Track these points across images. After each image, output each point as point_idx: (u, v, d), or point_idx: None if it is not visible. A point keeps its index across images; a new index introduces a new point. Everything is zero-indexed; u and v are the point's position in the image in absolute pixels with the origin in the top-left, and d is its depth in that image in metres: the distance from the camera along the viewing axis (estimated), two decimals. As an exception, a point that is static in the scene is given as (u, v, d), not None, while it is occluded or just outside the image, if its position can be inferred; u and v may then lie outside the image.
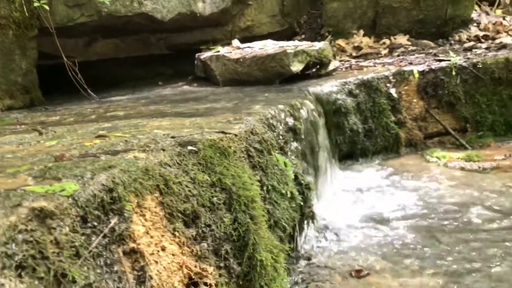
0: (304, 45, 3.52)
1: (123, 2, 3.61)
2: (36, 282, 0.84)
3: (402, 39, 4.52)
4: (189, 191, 1.32)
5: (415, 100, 3.38)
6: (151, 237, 1.15)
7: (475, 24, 4.63)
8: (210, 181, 1.42)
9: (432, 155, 3.14)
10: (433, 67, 3.43)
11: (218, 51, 3.75)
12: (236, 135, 1.69)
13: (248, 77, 3.44)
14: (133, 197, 1.14)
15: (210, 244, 1.32)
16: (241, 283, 1.36)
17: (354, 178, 2.93)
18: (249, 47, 3.74)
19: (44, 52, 3.50)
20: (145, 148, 1.41)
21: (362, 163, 3.17)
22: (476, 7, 4.93)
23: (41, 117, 2.76)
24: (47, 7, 3.17)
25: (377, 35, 4.64)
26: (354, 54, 4.42)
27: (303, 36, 4.88)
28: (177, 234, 1.23)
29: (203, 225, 1.32)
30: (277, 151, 1.96)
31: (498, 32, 4.46)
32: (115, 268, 1.02)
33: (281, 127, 2.19)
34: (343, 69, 3.76)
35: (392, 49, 4.40)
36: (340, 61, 4.09)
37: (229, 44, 4.12)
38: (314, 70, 3.50)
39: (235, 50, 3.72)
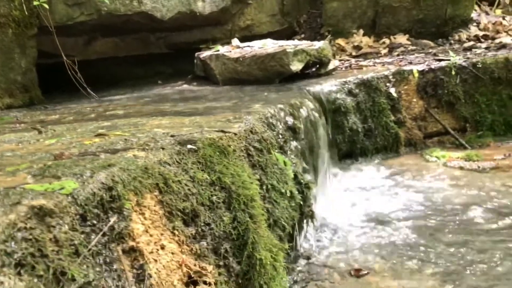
0: (304, 44, 3.52)
1: (122, 1, 3.61)
2: (35, 280, 0.84)
3: (402, 38, 4.51)
4: (189, 189, 1.32)
5: (414, 100, 3.38)
6: (151, 235, 1.15)
7: (474, 24, 4.63)
8: (210, 180, 1.42)
9: (432, 154, 3.14)
10: (432, 66, 3.43)
11: (218, 50, 3.75)
12: (235, 134, 1.69)
13: (248, 76, 3.44)
14: (133, 196, 1.14)
15: (209, 242, 1.32)
16: (240, 281, 1.36)
17: (353, 178, 2.93)
18: (248, 46, 3.74)
19: (43, 51, 3.49)
20: (144, 146, 1.41)
21: (361, 162, 3.17)
22: (476, 7, 4.93)
23: (40, 115, 2.76)
24: (46, 6, 3.16)
25: (377, 34, 4.64)
26: (353, 53, 4.42)
27: (302, 36, 4.88)
28: (176, 232, 1.23)
29: (202, 224, 1.32)
30: (276, 150, 1.96)
31: (497, 32, 4.46)
32: (115, 266, 1.02)
33: (280, 126, 2.19)
34: (343, 69, 3.76)
35: (391, 48, 4.40)
36: (340, 60, 4.09)
37: (228, 43, 4.11)
38: (313, 69, 3.50)
39: (234, 49, 3.72)
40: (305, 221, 2.07)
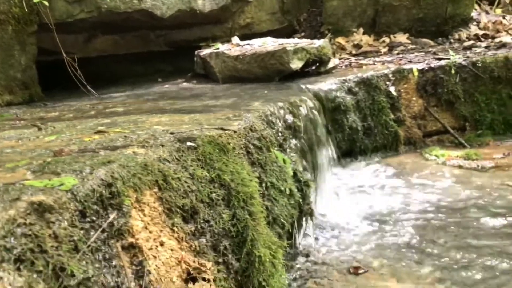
0: (304, 42, 3.52)
1: (122, -2, 3.60)
2: (35, 276, 0.84)
3: (401, 37, 4.51)
4: (188, 186, 1.33)
5: (414, 99, 3.38)
6: (150, 232, 1.15)
7: (475, 23, 4.63)
8: (209, 177, 1.42)
9: (431, 153, 3.15)
10: (432, 65, 3.43)
11: (218, 48, 3.75)
12: (235, 132, 1.69)
13: (248, 74, 3.44)
14: (132, 192, 1.14)
15: (208, 239, 1.32)
16: (239, 278, 1.36)
17: (352, 176, 2.93)
18: (248, 44, 3.74)
19: (43, 48, 3.49)
20: (144, 143, 1.41)
21: (361, 161, 3.17)
22: (476, 6, 4.93)
23: (40, 112, 2.76)
24: (46, 3, 3.16)
25: (376, 33, 4.64)
26: (353, 52, 4.42)
27: (302, 34, 4.88)
28: (175, 229, 1.23)
29: (201, 221, 1.32)
30: (276, 148, 1.97)
31: (497, 31, 4.46)
32: (114, 262, 1.02)
33: (280, 124, 2.19)
34: (343, 67, 3.76)
35: (391, 47, 4.40)
36: (340, 59, 4.09)
37: (228, 41, 4.11)
38: (313, 67, 3.50)
39: (234, 47, 3.72)
40: (304, 219, 2.07)
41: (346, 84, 3.16)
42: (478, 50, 3.88)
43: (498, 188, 2.58)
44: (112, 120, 2.05)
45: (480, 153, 3.07)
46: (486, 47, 3.96)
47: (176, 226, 1.24)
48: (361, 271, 1.83)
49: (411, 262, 1.88)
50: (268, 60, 3.35)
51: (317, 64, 3.48)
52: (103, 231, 1.02)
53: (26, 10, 3.23)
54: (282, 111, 2.30)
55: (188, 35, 4.44)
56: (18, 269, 0.82)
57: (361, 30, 4.61)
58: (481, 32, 4.45)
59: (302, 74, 3.40)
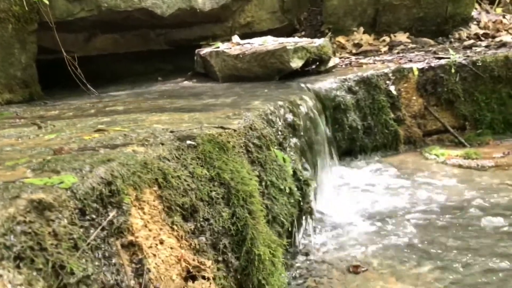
0: (304, 41, 3.52)
1: (123, -3, 3.61)
2: (35, 274, 0.84)
3: (402, 36, 4.51)
4: (188, 185, 1.33)
5: (414, 98, 3.38)
6: (150, 230, 1.15)
7: (475, 22, 4.63)
8: (209, 176, 1.42)
9: (431, 152, 3.15)
10: (432, 64, 3.43)
11: (218, 47, 3.75)
12: (235, 130, 1.69)
13: (248, 73, 3.44)
14: (132, 190, 1.14)
15: (208, 238, 1.32)
16: (239, 277, 1.36)
17: (352, 175, 2.93)
18: (248, 43, 3.74)
19: (43, 47, 3.49)
20: (144, 142, 1.41)
21: (360, 160, 3.18)
22: (477, 5, 4.93)
23: (40, 111, 2.76)
24: (46, 2, 3.16)
25: (377, 32, 4.64)
26: (354, 51, 4.42)
27: (303, 33, 4.88)
28: (175, 227, 1.23)
29: (201, 219, 1.32)
30: (276, 147, 1.97)
31: (498, 30, 4.46)
32: (113, 260, 1.02)
33: (280, 123, 2.19)
34: (343, 66, 3.76)
35: (392, 46, 4.40)
36: (340, 58, 4.09)
37: (229, 40, 4.11)
38: (313, 66, 3.50)
39: (234, 46, 3.72)
40: (304, 217, 2.07)
41: (346, 83, 3.16)
42: (478, 49, 3.88)
43: (498, 187, 2.58)
44: (112, 119, 2.05)
45: (480, 152, 3.07)
46: (486, 47, 3.96)
47: (176, 225, 1.24)
48: (360, 270, 1.83)
49: (411, 261, 1.88)
50: (268, 59, 3.36)
51: (317, 63, 3.48)
52: (102, 229, 1.02)
53: (26, 8, 3.23)
54: (282, 110, 2.30)
55: (188, 34, 4.44)
56: (18, 267, 0.83)
57: (362, 29, 4.61)
58: (481, 32, 4.45)
59: (302, 73, 3.40)
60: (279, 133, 2.13)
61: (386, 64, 3.54)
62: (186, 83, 3.80)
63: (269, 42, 3.61)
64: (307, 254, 1.98)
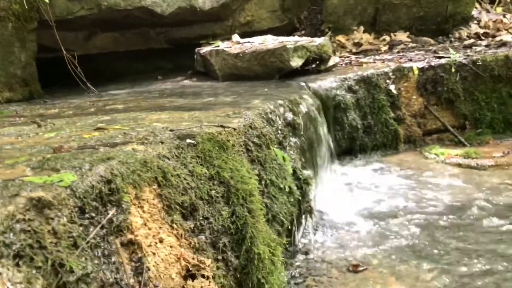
0: (304, 40, 3.52)
1: (123, -5, 3.60)
2: (34, 272, 0.84)
3: (402, 36, 4.51)
4: (187, 183, 1.33)
5: (414, 97, 3.38)
6: (149, 228, 1.15)
7: (475, 22, 4.63)
8: (209, 174, 1.42)
9: (431, 151, 3.15)
10: (432, 64, 3.43)
11: (218, 46, 3.75)
12: (235, 129, 1.69)
13: (248, 72, 3.44)
14: (131, 189, 1.14)
15: (208, 236, 1.32)
16: (238, 275, 1.36)
17: (352, 174, 2.93)
18: (249, 42, 3.74)
19: (43, 45, 3.49)
20: (143, 140, 1.41)
21: (360, 159, 3.17)
22: (477, 5, 4.92)
23: (40, 109, 2.76)
24: (46, 0, 3.16)
25: (377, 31, 4.64)
26: (354, 50, 4.42)
27: (303, 32, 4.87)
28: (175, 226, 1.23)
29: (201, 218, 1.32)
30: (275, 146, 1.97)
31: (498, 29, 4.45)
32: (113, 259, 1.02)
33: (280, 122, 2.19)
34: (343, 65, 3.76)
35: (392, 45, 4.39)
36: (340, 57, 4.09)
37: (229, 39, 4.11)
38: (313, 65, 3.50)
39: (235, 45, 3.72)
40: (303, 216, 2.07)
41: (346, 82, 3.16)
42: (478, 48, 3.88)
43: (497, 186, 2.58)
44: (111, 117, 2.05)
45: (480, 151, 3.07)
46: (486, 46, 3.95)
47: (176, 223, 1.24)
48: (360, 269, 1.83)
49: (410, 260, 1.88)
50: (268, 58, 3.35)
51: (317, 62, 3.48)
52: (102, 227, 1.02)
53: (26, 7, 3.23)
54: (282, 109, 2.30)
55: (188, 32, 4.44)
56: (17, 264, 0.83)
57: (362, 28, 4.61)
58: (481, 31, 4.44)
59: (302, 72, 3.40)
60: (279, 132, 2.13)
61: (386, 63, 3.54)
62: (186, 82, 3.80)
63: (269, 41, 3.61)
64: (306, 253, 1.98)
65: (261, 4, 4.64)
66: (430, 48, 4.15)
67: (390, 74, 3.31)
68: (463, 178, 2.73)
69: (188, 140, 1.45)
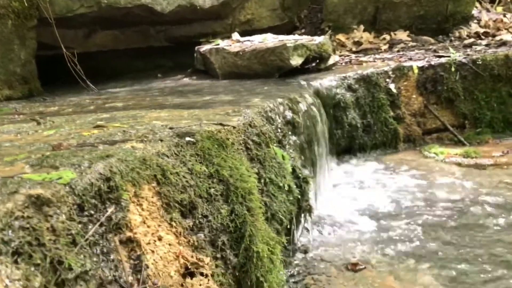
0: (304, 39, 3.51)
1: (123, -7, 3.60)
2: (32, 269, 0.84)
3: (402, 34, 4.51)
4: (187, 181, 1.32)
5: (414, 96, 3.38)
6: (148, 226, 1.15)
7: (475, 21, 4.63)
8: (208, 172, 1.42)
9: (430, 151, 3.15)
10: (432, 63, 3.43)
11: (218, 44, 3.74)
12: (234, 127, 1.69)
13: (248, 71, 3.44)
14: (130, 187, 1.14)
15: (207, 234, 1.32)
16: (237, 274, 1.36)
17: (352, 173, 2.94)
18: (249, 40, 3.74)
19: (43, 43, 3.49)
20: (143, 138, 1.41)
21: (360, 158, 3.17)
22: (477, 4, 4.92)
23: (39, 107, 2.76)
24: (46, -3, 3.16)
25: (377, 30, 4.64)
26: (354, 49, 4.41)
27: (303, 31, 4.87)
28: (174, 224, 1.23)
29: (200, 216, 1.32)
30: (275, 144, 1.96)
31: (498, 29, 4.45)
32: (112, 256, 1.02)
33: (279, 120, 2.19)
34: (343, 64, 3.75)
35: (392, 44, 4.39)
36: (340, 56, 4.09)
37: (229, 37, 4.11)
38: (313, 64, 3.49)
39: (234, 43, 3.72)
40: (302, 215, 2.07)
41: (346, 81, 3.16)
42: (478, 48, 3.87)
43: (497, 186, 2.58)
44: (111, 115, 2.05)
45: (479, 151, 3.07)
46: (486, 45, 3.95)
47: (174, 221, 1.24)
48: (359, 267, 1.84)
49: (409, 259, 1.88)
50: (268, 56, 3.35)
51: (317, 61, 3.48)
52: (101, 225, 1.02)
53: (26, 4, 3.22)
54: (281, 107, 2.29)
55: (188, 30, 4.44)
56: (16, 262, 0.82)
57: (362, 27, 4.61)
58: (481, 30, 4.44)
59: (302, 70, 3.40)
60: (279, 130, 2.13)
61: (386, 62, 3.54)
62: (185, 80, 3.80)
63: (269, 40, 3.60)
64: (305, 252, 1.98)
65: (261, 3, 4.64)
66: (430, 47, 4.15)
67: (390, 73, 3.31)
68: (462, 178, 2.73)
69: (187, 138, 1.45)
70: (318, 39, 3.48)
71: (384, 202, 2.47)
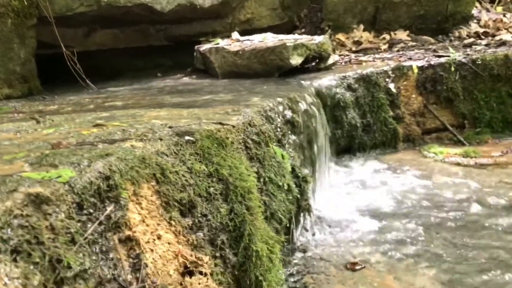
0: (304, 38, 3.51)
1: (122, -8, 3.60)
2: (31, 267, 0.84)
3: (402, 34, 4.51)
4: (186, 180, 1.33)
5: (413, 96, 3.38)
6: (147, 225, 1.15)
7: (475, 21, 4.63)
8: (207, 171, 1.42)
9: (430, 150, 3.15)
10: (432, 62, 3.43)
11: (218, 44, 3.74)
12: (233, 127, 1.69)
13: (247, 70, 3.44)
14: (130, 185, 1.14)
15: (206, 233, 1.32)
16: (236, 273, 1.36)
17: (351, 172, 2.94)
18: (248, 39, 3.74)
19: (43, 42, 3.49)
20: (142, 137, 1.41)
21: (359, 157, 3.17)
22: (477, 4, 4.93)
23: (39, 106, 2.76)
24: (46, -4, 3.16)
25: (377, 30, 4.64)
26: (353, 48, 4.41)
27: (303, 30, 4.87)
28: (173, 223, 1.23)
29: (199, 215, 1.32)
30: (274, 143, 1.97)
31: (498, 29, 4.45)
32: (111, 255, 1.02)
33: (279, 120, 2.19)
34: (343, 64, 3.76)
35: (392, 44, 4.39)
36: (340, 55, 4.09)
37: (228, 36, 4.10)
38: (313, 63, 3.49)
39: (234, 42, 3.72)
40: (302, 214, 2.07)
41: (346, 80, 3.16)
42: (478, 48, 3.88)
43: (496, 185, 2.58)
44: (110, 114, 2.05)
45: (479, 151, 3.07)
46: (486, 45, 3.95)
47: (174, 220, 1.24)
48: (358, 267, 1.84)
49: (409, 259, 1.88)
50: (268, 55, 3.35)
51: (317, 60, 3.48)
52: (100, 223, 1.02)
53: (26, 3, 3.22)
54: (281, 107, 2.29)
55: (188, 29, 4.43)
56: (15, 260, 0.83)
57: (362, 26, 4.61)
58: (481, 30, 4.44)
59: (301, 70, 3.40)
60: (278, 129, 2.13)
61: (385, 62, 3.54)
62: (185, 79, 3.80)
63: (269, 39, 3.60)
64: (304, 251, 1.98)
65: (261, 2, 4.64)
66: (430, 47, 4.15)
67: (390, 72, 3.31)
68: (461, 177, 2.73)
69: (186, 137, 1.45)
70: (318, 39, 3.48)
71: (383, 201, 2.47)
